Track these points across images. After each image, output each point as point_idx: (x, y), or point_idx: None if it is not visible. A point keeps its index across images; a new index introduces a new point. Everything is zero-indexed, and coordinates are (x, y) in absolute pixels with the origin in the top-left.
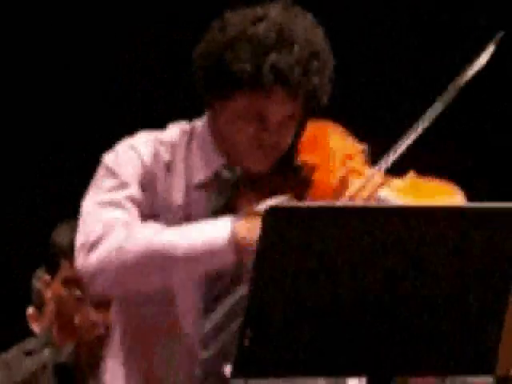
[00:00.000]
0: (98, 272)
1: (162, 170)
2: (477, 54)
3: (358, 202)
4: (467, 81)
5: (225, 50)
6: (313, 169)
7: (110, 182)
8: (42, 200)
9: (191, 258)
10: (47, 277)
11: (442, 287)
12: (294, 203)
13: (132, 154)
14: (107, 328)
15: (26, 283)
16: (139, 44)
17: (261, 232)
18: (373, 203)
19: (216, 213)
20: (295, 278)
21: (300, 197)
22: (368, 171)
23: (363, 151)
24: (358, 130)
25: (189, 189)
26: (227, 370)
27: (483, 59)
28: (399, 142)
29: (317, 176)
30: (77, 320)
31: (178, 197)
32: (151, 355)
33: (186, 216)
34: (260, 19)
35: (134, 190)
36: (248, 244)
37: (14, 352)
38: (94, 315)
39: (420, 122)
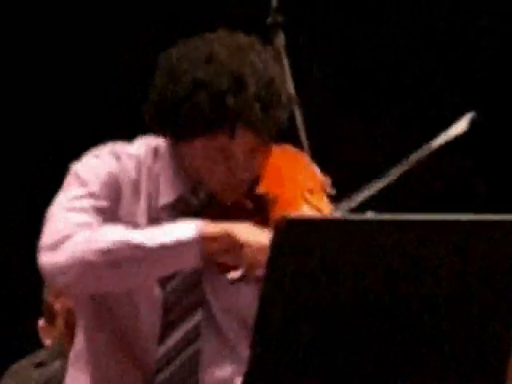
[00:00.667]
0: (63, 269)
1: (128, 187)
2: (450, 125)
3: None
4: (434, 148)
5: (180, 99)
6: (273, 201)
7: (77, 191)
8: None
9: (157, 254)
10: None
11: (449, 298)
12: (306, 215)
13: (100, 165)
14: None
15: (37, 295)
16: (137, 49)
17: (272, 242)
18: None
19: None
20: (307, 289)
21: (260, 224)
22: (326, 207)
23: (325, 185)
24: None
25: (152, 210)
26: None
27: (454, 132)
28: (360, 192)
29: (276, 208)
30: None
31: (142, 217)
32: (108, 371)
33: None
34: (208, 60)
35: (101, 201)
36: (214, 235)
37: (23, 363)
38: None
39: (383, 178)
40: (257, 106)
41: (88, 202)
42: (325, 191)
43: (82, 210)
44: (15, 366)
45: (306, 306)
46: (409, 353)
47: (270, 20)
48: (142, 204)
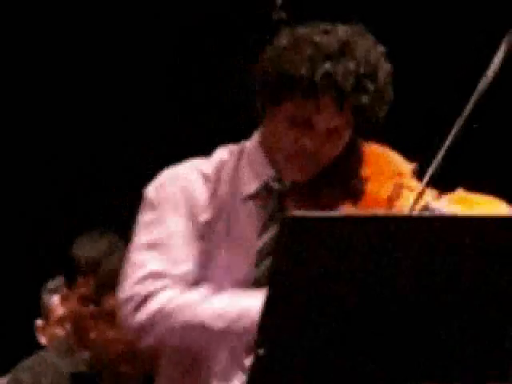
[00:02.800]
0: (143, 333)
1: (207, 198)
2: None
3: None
4: (489, 82)
5: (286, 52)
6: (365, 180)
7: (153, 218)
8: (52, 214)
9: (230, 334)
10: (66, 290)
11: (454, 296)
12: (312, 213)
13: (174, 185)
14: (128, 343)
15: (34, 296)
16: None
17: (278, 240)
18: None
19: (264, 224)
20: (312, 288)
21: (349, 209)
22: (419, 187)
23: (414, 170)
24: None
25: (234, 202)
26: None
27: (498, 59)
28: (438, 154)
29: (368, 188)
30: (92, 336)
31: (223, 214)
32: None
33: (231, 231)
34: (327, 31)
35: (176, 223)
36: None
37: (34, 359)
38: (109, 332)
39: (453, 128)
40: (350, 81)
41: (161, 232)
42: (414, 175)
43: (157, 246)
44: (25, 363)
45: (312, 304)
46: (414, 354)
47: (274, 17)
48: (224, 201)
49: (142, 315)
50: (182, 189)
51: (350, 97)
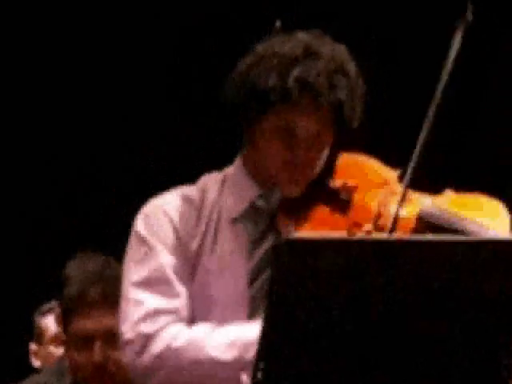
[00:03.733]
0: (151, 374)
1: (193, 227)
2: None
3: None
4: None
5: (251, 70)
6: (353, 190)
7: (143, 252)
8: (45, 235)
9: (237, 369)
10: (58, 310)
11: (452, 317)
12: (306, 235)
13: (161, 216)
14: (95, 367)
15: (27, 321)
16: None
17: (273, 265)
18: (398, 235)
19: (255, 241)
20: (309, 311)
21: (342, 218)
22: (402, 190)
23: (398, 177)
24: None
25: (219, 226)
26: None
27: (456, 45)
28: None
29: (356, 197)
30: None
31: (209, 238)
32: None
33: (227, 255)
34: (286, 40)
35: (168, 257)
36: None
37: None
38: (78, 357)
39: (425, 121)
40: (323, 79)
41: (154, 268)
42: (399, 182)
43: (155, 281)
44: None
45: (308, 325)
46: (412, 372)
47: (279, 23)
48: (208, 226)
49: (148, 357)
50: (169, 220)
51: (326, 95)
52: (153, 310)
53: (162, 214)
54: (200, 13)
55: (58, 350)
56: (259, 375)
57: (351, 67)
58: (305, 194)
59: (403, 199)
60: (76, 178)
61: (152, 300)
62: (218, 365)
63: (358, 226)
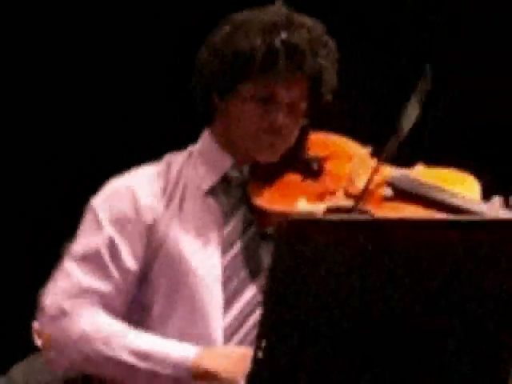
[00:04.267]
0: (53, 347)
1: (160, 203)
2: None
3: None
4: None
5: (232, 34)
6: (324, 159)
7: (90, 224)
8: (52, 214)
9: (151, 374)
10: None
11: (452, 301)
12: (309, 216)
13: (122, 198)
14: None
15: (31, 299)
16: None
17: (275, 245)
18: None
19: (228, 213)
20: (310, 291)
21: (314, 186)
22: (375, 163)
23: (370, 153)
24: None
25: (197, 200)
26: None
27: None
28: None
29: (328, 165)
30: None
31: (188, 210)
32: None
33: (198, 227)
34: (265, 12)
35: (112, 235)
36: (209, 374)
37: (26, 365)
38: None
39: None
40: (308, 47)
41: (96, 243)
42: (370, 157)
43: (88, 259)
44: (17, 368)
45: (310, 304)
46: (412, 361)
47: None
48: (187, 197)
49: (55, 330)
50: (129, 200)
51: (310, 61)
52: (78, 287)
53: (120, 195)
54: (200, 13)
55: None
56: (260, 354)
57: (329, 39)
58: (277, 163)
59: (375, 172)
60: (77, 180)
61: (81, 277)
62: (123, 366)
63: (329, 193)
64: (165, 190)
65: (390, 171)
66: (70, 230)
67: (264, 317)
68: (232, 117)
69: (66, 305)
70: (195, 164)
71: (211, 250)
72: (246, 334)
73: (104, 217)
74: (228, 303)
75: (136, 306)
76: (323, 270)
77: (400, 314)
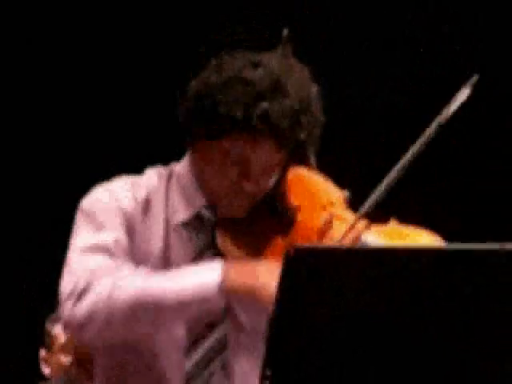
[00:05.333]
0: (87, 321)
1: (140, 213)
2: (453, 95)
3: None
4: (445, 121)
5: (218, 92)
6: (296, 210)
7: (90, 226)
8: (54, 243)
9: (181, 305)
10: None
11: (462, 328)
12: (318, 244)
13: (110, 198)
14: None
15: (38, 329)
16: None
17: (283, 272)
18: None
19: (199, 253)
20: (317, 319)
21: (283, 238)
22: (351, 217)
23: (345, 198)
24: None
25: (168, 230)
26: None
27: (458, 101)
28: (379, 186)
29: (300, 217)
30: None
31: (157, 239)
32: None
33: (166, 258)
34: (256, 65)
35: (116, 233)
36: (238, 288)
37: None
38: None
39: (398, 164)
40: (287, 121)
41: (103, 237)
42: (345, 203)
43: (100, 248)
44: None
45: (316, 334)
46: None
47: (285, 32)
48: (157, 224)
49: (84, 303)
50: (117, 206)
51: (288, 135)
52: (94, 267)
53: (109, 199)
54: (214, 23)
55: (66, 359)
56: (269, 372)
57: (315, 102)
58: (248, 214)
59: (352, 227)
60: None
61: (94, 260)
62: (158, 306)
63: None
64: (143, 206)
65: (363, 231)
66: None
67: (269, 345)
68: (205, 165)
69: (84, 281)
70: (173, 193)
71: None
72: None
73: (101, 218)
74: (188, 351)
75: None
76: (330, 298)
77: (411, 345)
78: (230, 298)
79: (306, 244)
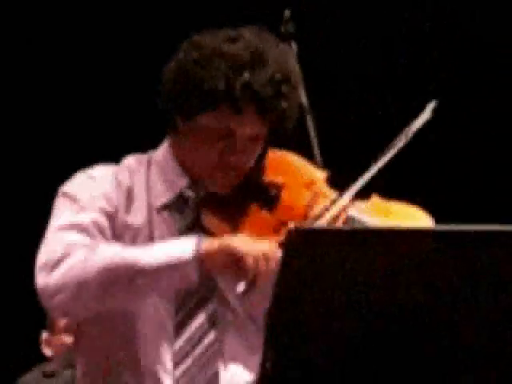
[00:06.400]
0: (59, 288)
1: (122, 197)
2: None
3: (324, 221)
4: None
5: (198, 67)
6: (280, 187)
7: (70, 207)
8: None
9: (155, 271)
10: None
11: (461, 308)
12: (319, 225)
13: (91, 182)
14: None
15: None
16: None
17: (283, 252)
18: (355, 224)
19: (182, 233)
20: (318, 300)
21: (269, 215)
22: (334, 195)
23: (326, 178)
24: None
25: (150, 212)
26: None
27: (420, 121)
28: (360, 176)
29: (284, 195)
30: None
31: (140, 221)
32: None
33: (150, 239)
34: (234, 39)
35: (95, 215)
36: (212, 251)
37: (34, 374)
38: None
39: (381, 156)
40: (270, 89)
41: (83, 217)
42: (326, 182)
43: (77, 226)
44: (25, 378)
45: (317, 314)
46: (422, 366)
47: (282, 30)
48: (140, 207)
49: (57, 272)
50: (101, 193)
51: (271, 104)
52: (71, 242)
53: (92, 182)
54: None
55: (69, 339)
56: (268, 365)
57: (294, 74)
58: (233, 189)
59: (332, 203)
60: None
61: (71, 236)
62: (134, 269)
63: (285, 224)
64: (129, 201)
65: (348, 206)
66: None
67: (271, 327)
68: (189, 144)
69: (61, 252)
70: (154, 177)
71: None
72: (195, 360)
73: (83, 199)
74: (178, 329)
75: None
76: (331, 279)
77: (407, 321)
78: (206, 264)
79: (306, 224)
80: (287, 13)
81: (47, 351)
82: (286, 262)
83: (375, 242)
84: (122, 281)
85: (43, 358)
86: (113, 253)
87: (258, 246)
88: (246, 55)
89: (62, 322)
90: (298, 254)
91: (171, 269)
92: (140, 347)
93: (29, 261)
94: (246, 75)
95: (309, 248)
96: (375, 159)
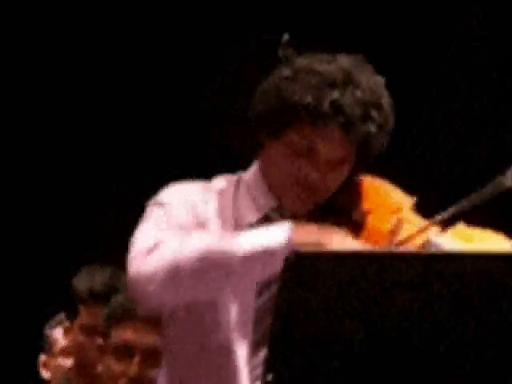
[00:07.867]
0: (154, 274)
1: (212, 215)
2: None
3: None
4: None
5: (289, 82)
6: (366, 213)
7: (160, 212)
8: (57, 248)
9: (249, 258)
10: (67, 323)
11: (463, 332)
12: (318, 249)
13: (185, 197)
14: (129, 380)
15: (37, 332)
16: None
17: (283, 275)
18: (421, 250)
19: None
20: (317, 324)
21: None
22: (420, 221)
23: (414, 204)
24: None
25: (237, 231)
26: None
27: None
28: (455, 206)
29: (370, 221)
30: (99, 369)
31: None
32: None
33: None
34: (329, 60)
35: (187, 224)
36: (303, 243)
37: None
38: (115, 366)
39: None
40: (358, 110)
41: (172, 221)
42: (413, 209)
43: (167, 227)
44: None
45: (317, 338)
46: None
47: (280, 53)
48: (226, 228)
49: (152, 258)
50: (191, 206)
51: (358, 126)
52: (163, 231)
53: (181, 194)
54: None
55: (67, 362)
56: (270, 377)
57: (386, 101)
58: (319, 214)
59: (422, 231)
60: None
61: (163, 231)
62: (227, 257)
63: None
64: (214, 206)
65: (431, 234)
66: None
67: (270, 351)
68: (271, 159)
69: (154, 241)
70: (241, 197)
71: (248, 293)
72: None
73: (171, 205)
74: (256, 346)
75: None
76: (331, 303)
77: (410, 346)
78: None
79: (306, 249)
80: (286, 37)
81: (45, 374)
82: (284, 287)
83: (377, 266)
84: (217, 268)
85: (41, 381)
86: (207, 240)
87: (350, 244)
88: (338, 75)
89: (60, 345)
90: (296, 279)
91: (264, 257)
92: (226, 335)
93: (27, 287)
94: (336, 93)
95: (307, 272)
96: (469, 195)
